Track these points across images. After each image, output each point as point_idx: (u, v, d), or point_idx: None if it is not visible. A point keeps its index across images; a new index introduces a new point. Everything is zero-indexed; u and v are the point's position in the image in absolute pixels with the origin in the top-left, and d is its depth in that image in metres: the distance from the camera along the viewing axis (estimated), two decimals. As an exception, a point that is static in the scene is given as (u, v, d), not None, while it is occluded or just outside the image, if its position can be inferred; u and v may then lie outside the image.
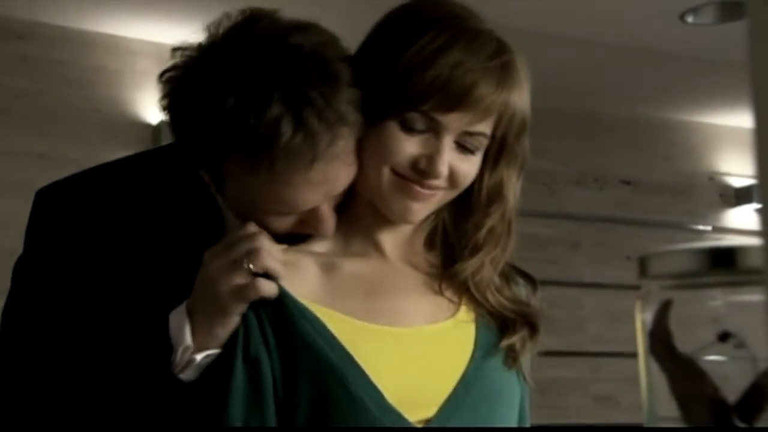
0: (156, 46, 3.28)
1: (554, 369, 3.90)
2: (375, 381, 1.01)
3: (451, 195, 1.10)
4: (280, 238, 1.11)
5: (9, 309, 1.15)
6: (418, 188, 1.06)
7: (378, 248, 1.12)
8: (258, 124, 1.00)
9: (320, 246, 1.12)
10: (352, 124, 1.03)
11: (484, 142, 1.08)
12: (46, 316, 1.12)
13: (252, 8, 1.08)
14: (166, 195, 1.16)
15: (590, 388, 4.14)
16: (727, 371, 0.58)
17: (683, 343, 0.59)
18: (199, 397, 1.03)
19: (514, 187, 1.12)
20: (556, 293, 3.92)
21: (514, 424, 1.13)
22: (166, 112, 1.09)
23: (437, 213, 1.13)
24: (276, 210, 1.07)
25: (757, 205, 4.43)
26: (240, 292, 1.03)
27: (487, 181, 1.10)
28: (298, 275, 1.07)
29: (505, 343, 1.10)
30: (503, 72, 1.05)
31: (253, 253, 1.03)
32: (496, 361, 1.10)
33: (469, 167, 1.08)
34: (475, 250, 1.11)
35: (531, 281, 1.19)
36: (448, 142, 1.05)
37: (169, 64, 1.08)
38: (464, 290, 1.12)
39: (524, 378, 1.13)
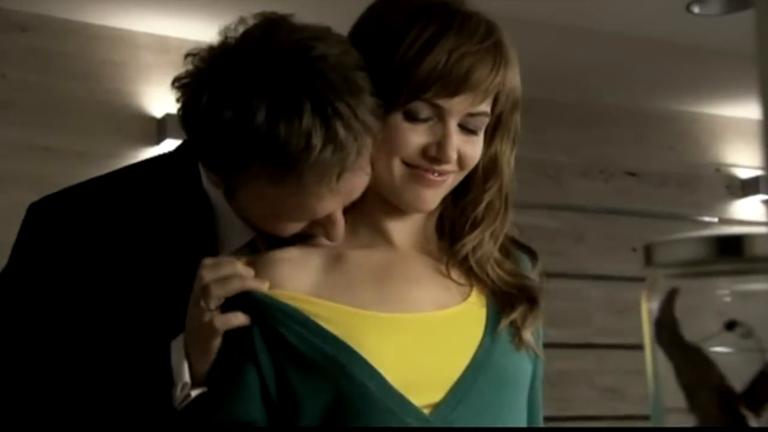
0: (161, 39, 3.28)
1: (560, 361, 3.89)
2: (377, 366, 1.02)
3: (460, 177, 1.12)
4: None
5: None
6: (430, 175, 1.08)
7: (386, 238, 1.13)
8: (288, 137, 1.00)
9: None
10: (375, 134, 1.05)
11: (486, 122, 1.10)
12: (37, 334, 1.12)
13: (267, 13, 1.07)
14: (158, 207, 1.16)
15: (596, 380, 4.14)
16: (734, 360, 0.58)
17: (689, 333, 0.58)
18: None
19: (508, 160, 1.15)
20: (562, 285, 3.92)
21: (523, 408, 1.13)
22: (182, 119, 1.08)
23: (445, 197, 1.14)
24: (293, 217, 1.08)
25: (763, 197, 4.44)
26: (208, 329, 1.04)
27: (483, 157, 1.12)
28: (301, 271, 1.08)
29: (506, 321, 1.10)
30: (497, 52, 1.07)
31: (203, 292, 1.04)
32: (506, 344, 1.10)
33: (474, 148, 1.10)
34: (474, 225, 1.13)
35: (531, 254, 1.20)
36: (453, 126, 1.07)
37: (182, 70, 1.07)
38: (471, 272, 1.13)
39: (534, 353, 1.13)
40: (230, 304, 1.05)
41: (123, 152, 3.21)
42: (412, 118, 1.06)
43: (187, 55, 1.06)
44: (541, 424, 1.19)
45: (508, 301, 1.12)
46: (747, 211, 4.49)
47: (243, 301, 1.05)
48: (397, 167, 1.08)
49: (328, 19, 1.11)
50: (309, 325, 1.03)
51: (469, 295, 1.12)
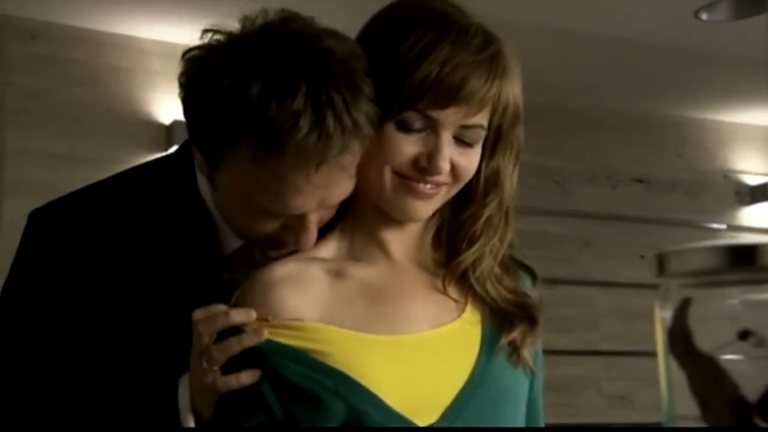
0: (168, 46, 3.29)
1: (567, 368, 3.89)
2: (376, 390, 1.02)
3: (455, 189, 1.10)
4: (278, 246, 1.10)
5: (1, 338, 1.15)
6: (422, 186, 1.07)
7: (384, 250, 1.12)
8: (277, 113, 1.00)
9: (326, 251, 1.12)
10: (363, 139, 1.03)
11: (482, 134, 1.09)
12: (39, 346, 1.12)
13: (289, 10, 1.08)
14: (158, 213, 1.15)
15: (603, 387, 4.13)
16: (747, 369, 0.58)
17: (701, 341, 0.58)
18: None
19: (510, 176, 1.13)
20: (569, 292, 3.92)
21: (521, 423, 1.13)
22: (183, 87, 1.08)
23: (443, 209, 1.13)
24: (267, 208, 1.06)
25: (772, 203, 4.42)
26: (211, 389, 1.03)
27: (484, 171, 1.11)
28: (301, 291, 1.07)
29: (505, 339, 1.10)
30: (493, 63, 1.06)
31: (205, 353, 1.03)
32: (502, 361, 1.09)
33: (469, 160, 1.09)
34: (473, 240, 1.12)
35: (531, 273, 1.19)
36: (446, 138, 1.06)
37: (197, 43, 1.07)
38: (468, 287, 1.12)
39: (531, 370, 1.13)
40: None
41: (131, 159, 3.22)
42: (405, 128, 1.05)
43: (204, 31, 1.07)
44: None
45: (507, 319, 1.11)
46: (755, 217, 4.48)
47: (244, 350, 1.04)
48: (389, 176, 1.07)
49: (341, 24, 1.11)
50: (308, 362, 1.02)
51: (463, 311, 1.11)
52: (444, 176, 1.07)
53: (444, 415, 1.04)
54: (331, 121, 1.00)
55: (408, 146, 1.06)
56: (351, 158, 1.04)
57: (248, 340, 1.03)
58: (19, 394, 1.13)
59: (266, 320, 1.04)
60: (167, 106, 3.34)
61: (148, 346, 1.11)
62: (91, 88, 3.32)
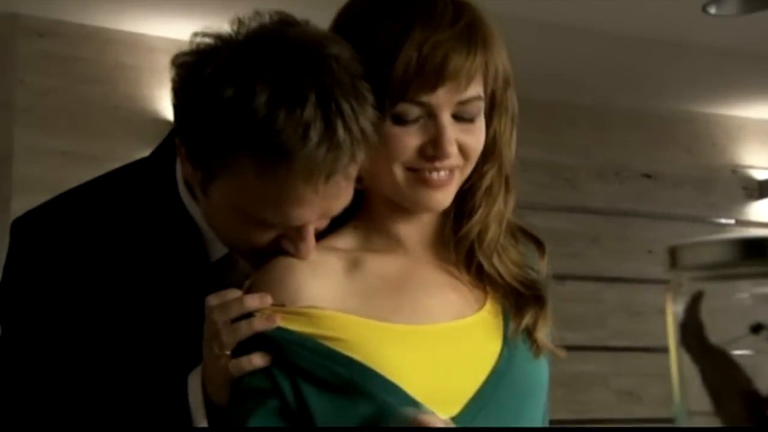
0: (176, 43, 3.26)
1: (576, 364, 3.88)
2: (397, 380, 1.00)
3: (469, 169, 1.08)
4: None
5: None
6: (435, 176, 1.05)
7: (400, 242, 1.11)
8: (286, 124, 0.96)
9: (343, 242, 1.10)
10: (370, 147, 1.01)
11: (481, 105, 1.06)
12: (35, 357, 1.11)
13: (285, 13, 1.05)
14: (144, 218, 1.13)
15: (612, 383, 4.13)
16: (759, 363, 0.58)
17: (713, 335, 0.58)
18: None
19: (508, 140, 1.10)
20: (577, 287, 3.91)
21: (541, 416, 1.12)
22: (177, 95, 1.05)
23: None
24: (265, 220, 1.03)
25: (781, 198, 4.41)
26: (223, 373, 1.02)
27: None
28: (319, 277, 1.05)
29: (518, 326, 1.08)
30: (471, 33, 1.03)
31: (215, 337, 1.02)
32: (524, 353, 1.09)
33: (474, 136, 1.06)
34: (474, 211, 1.10)
35: (538, 244, 1.16)
36: (446, 119, 1.03)
37: (185, 49, 1.04)
38: (481, 273, 1.10)
39: (552, 352, 1.12)
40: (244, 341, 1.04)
41: (139, 155, 3.22)
42: (401, 121, 1.02)
43: (194, 35, 1.04)
44: (547, 425, 1.18)
45: (518, 305, 1.10)
46: (764, 212, 4.46)
47: (256, 337, 1.03)
48: (400, 174, 1.04)
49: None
50: (322, 351, 1.01)
51: (484, 303, 1.10)
52: (454, 159, 1.04)
53: (467, 407, 1.03)
54: (341, 132, 0.97)
55: (409, 139, 1.03)
56: (355, 168, 1.02)
57: (259, 324, 1.01)
58: (15, 404, 1.12)
59: (282, 305, 1.03)
60: (175, 104, 3.35)
61: (146, 346, 1.10)
62: (99, 85, 3.33)
